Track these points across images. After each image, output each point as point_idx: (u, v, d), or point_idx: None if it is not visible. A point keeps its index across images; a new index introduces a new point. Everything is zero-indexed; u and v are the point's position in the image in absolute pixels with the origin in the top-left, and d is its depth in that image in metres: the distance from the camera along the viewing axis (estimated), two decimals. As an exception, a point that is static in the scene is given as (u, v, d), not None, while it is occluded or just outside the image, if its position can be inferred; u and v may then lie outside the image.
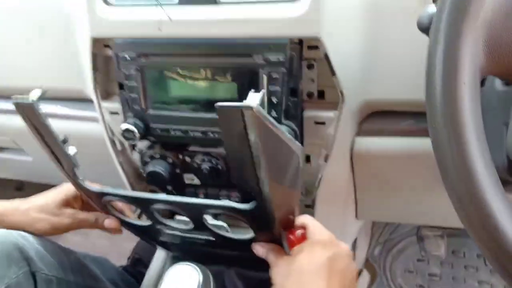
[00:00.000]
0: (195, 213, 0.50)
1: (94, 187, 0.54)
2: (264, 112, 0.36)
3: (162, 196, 0.51)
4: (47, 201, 0.62)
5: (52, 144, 0.49)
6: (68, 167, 0.52)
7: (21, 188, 1.36)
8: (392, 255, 1.25)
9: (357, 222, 0.91)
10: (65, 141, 0.49)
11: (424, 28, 0.42)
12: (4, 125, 0.85)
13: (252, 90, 0.42)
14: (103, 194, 0.54)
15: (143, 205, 0.53)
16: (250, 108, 0.34)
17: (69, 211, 0.62)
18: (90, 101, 0.74)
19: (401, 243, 1.25)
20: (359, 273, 1.18)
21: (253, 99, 0.35)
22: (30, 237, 0.67)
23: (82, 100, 0.77)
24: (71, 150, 0.50)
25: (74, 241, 1.42)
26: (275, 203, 0.43)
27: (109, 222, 0.61)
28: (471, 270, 1.16)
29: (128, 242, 1.35)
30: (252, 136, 0.36)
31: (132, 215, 0.64)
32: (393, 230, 1.28)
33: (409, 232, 1.26)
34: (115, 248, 1.36)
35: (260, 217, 0.46)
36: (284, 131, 0.40)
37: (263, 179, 0.40)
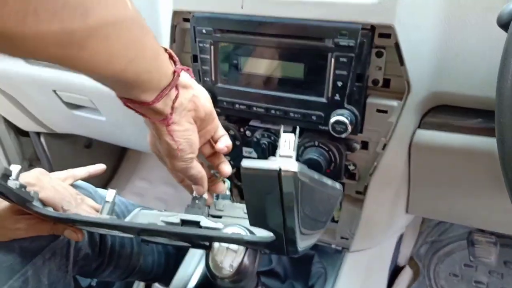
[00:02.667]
0: (196, 241, 0.48)
1: (54, 212, 0.51)
2: (306, 170, 0.34)
3: (152, 225, 0.48)
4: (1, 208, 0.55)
5: None
6: (18, 200, 0.48)
7: (89, 146, 1.47)
8: (439, 257, 1.22)
9: (406, 216, 0.90)
10: (7, 175, 0.44)
11: (503, 24, 0.42)
12: (84, 84, 0.93)
13: (281, 131, 0.39)
14: (71, 221, 0.49)
15: (128, 232, 0.49)
16: (291, 172, 0.32)
17: (24, 222, 0.55)
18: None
19: (449, 246, 1.22)
20: (402, 269, 1.17)
21: (290, 162, 0.32)
22: (98, 189, 0.74)
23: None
24: (14, 184, 0.45)
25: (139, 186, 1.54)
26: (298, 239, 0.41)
27: (69, 232, 0.57)
28: (522, 284, 1.11)
29: (180, 208, 1.44)
30: (289, 197, 0.34)
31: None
32: (442, 231, 1.25)
33: (459, 235, 1.22)
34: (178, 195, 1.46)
35: (275, 246, 0.43)
36: (325, 181, 0.38)
37: (291, 225, 0.37)
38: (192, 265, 0.88)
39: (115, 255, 0.76)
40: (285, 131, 0.41)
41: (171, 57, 0.44)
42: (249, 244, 0.45)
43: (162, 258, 0.91)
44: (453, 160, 0.64)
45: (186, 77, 0.46)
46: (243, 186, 0.36)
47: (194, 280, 0.85)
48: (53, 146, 1.36)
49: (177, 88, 0.44)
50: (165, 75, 0.42)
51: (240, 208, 0.58)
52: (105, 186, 1.55)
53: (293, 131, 0.38)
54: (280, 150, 0.35)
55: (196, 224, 0.50)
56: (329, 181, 0.39)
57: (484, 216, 0.75)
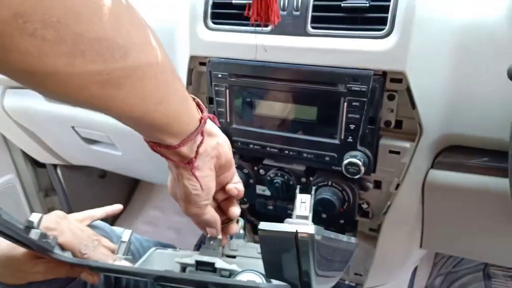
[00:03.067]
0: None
1: (73, 258, 0.53)
2: (322, 232, 0.34)
3: (169, 272, 0.47)
4: (16, 252, 0.55)
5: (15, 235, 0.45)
6: (39, 249, 0.49)
7: (104, 176, 1.50)
8: (454, 289, 1.20)
9: (420, 251, 0.90)
10: (29, 227, 0.45)
11: (514, 77, 0.43)
12: (101, 121, 0.96)
13: (297, 191, 0.40)
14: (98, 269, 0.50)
15: (144, 278, 0.50)
16: (308, 234, 0.33)
17: (42, 266, 0.56)
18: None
19: (464, 278, 1.20)
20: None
21: (307, 224, 0.33)
22: (114, 227, 0.75)
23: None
24: (35, 233, 0.46)
25: (143, 230, 1.55)
26: None
27: (85, 275, 0.57)
28: (541, 319, 1.09)
29: (193, 237, 1.44)
30: (305, 256, 0.35)
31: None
32: (457, 263, 1.23)
33: (474, 267, 1.20)
34: (182, 240, 1.46)
35: None
36: (341, 238, 0.38)
37: (307, 279, 0.38)
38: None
39: None
40: (301, 192, 0.42)
41: (198, 105, 0.46)
42: None
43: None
44: (466, 199, 0.65)
45: (211, 125, 0.48)
46: (261, 245, 0.37)
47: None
48: (69, 177, 1.39)
49: (202, 134, 0.46)
50: (192, 121, 0.44)
51: (254, 248, 0.58)
52: (118, 216, 1.57)
53: (309, 191, 0.39)
54: (296, 211, 0.36)
55: (211, 265, 0.51)
56: (344, 238, 0.40)
57: (500, 253, 0.75)
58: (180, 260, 0.52)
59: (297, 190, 0.40)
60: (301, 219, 0.36)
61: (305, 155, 0.66)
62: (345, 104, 0.61)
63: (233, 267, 0.51)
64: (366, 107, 0.60)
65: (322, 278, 0.42)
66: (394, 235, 0.73)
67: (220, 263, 0.52)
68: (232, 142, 0.72)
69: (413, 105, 0.59)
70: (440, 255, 1.25)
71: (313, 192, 0.40)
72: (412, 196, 0.66)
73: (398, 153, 0.63)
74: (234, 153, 0.76)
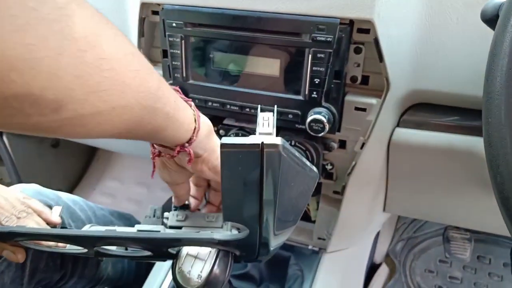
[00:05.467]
0: (160, 247, 0.44)
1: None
2: (288, 146, 0.32)
3: (112, 231, 0.44)
4: None
5: None
6: None
7: (57, 145, 1.40)
8: (414, 253, 1.23)
9: (383, 215, 0.90)
10: None
11: (488, 19, 0.40)
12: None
13: (258, 110, 0.39)
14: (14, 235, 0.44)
15: (80, 245, 0.45)
16: (274, 146, 0.30)
17: None
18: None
19: (424, 242, 1.23)
20: (378, 266, 1.17)
21: (273, 137, 0.31)
22: (62, 194, 0.69)
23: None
24: None
25: (101, 202, 1.48)
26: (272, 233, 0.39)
27: (7, 253, 0.52)
28: (495, 279, 1.12)
29: (164, 192, 1.39)
30: (270, 176, 0.32)
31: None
32: (417, 228, 1.26)
33: (434, 232, 1.23)
34: (142, 211, 1.41)
35: (246, 245, 0.41)
36: (304, 160, 0.36)
37: (267, 216, 0.36)
38: (164, 270, 0.84)
39: (79, 265, 0.71)
40: (262, 110, 0.39)
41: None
42: (220, 245, 0.42)
43: (132, 263, 0.87)
44: (432, 158, 0.63)
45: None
46: (221, 168, 0.33)
47: (165, 285, 0.81)
48: (17, 145, 1.28)
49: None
50: (187, 131, 0.43)
51: (202, 217, 0.54)
52: (74, 187, 1.48)
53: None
54: (259, 129, 0.33)
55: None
56: (307, 162, 0.37)
57: (461, 214, 0.75)
58: (118, 234, 0.47)
59: (258, 110, 0.37)
60: (265, 135, 0.33)
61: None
62: (310, 56, 0.56)
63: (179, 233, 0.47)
64: (332, 59, 0.56)
65: (281, 224, 0.39)
66: (358, 197, 0.71)
67: (165, 231, 0.48)
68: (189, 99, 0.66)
69: (380, 57, 0.56)
70: (402, 220, 1.27)
71: (274, 110, 0.37)
72: (377, 156, 0.64)
73: (364, 110, 0.60)
74: (191, 112, 0.71)
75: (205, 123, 0.47)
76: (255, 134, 0.35)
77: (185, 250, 0.44)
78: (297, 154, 0.34)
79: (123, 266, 0.83)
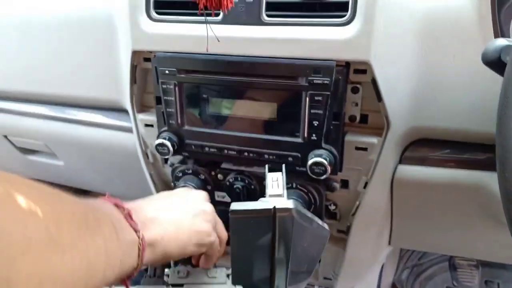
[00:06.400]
0: None
1: None
2: (300, 208, 0.31)
3: None
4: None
5: None
6: None
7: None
8: (420, 281, 1.20)
9: (388, 248, 0.87)
10: None
11: (490, 62, 0.40)
12: (38, 129, 0.85)
13: (266, 170, 0.38)
14: None
15: None
16: (287, 210, 0.30)
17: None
18: (125, 111, 0.73)
19: (430, 269, 1.20)
20: (385, 297, 1.14)
21: (284, 200, 0.30)
22: None
23: (116, 110, 0.76)
24: None
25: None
26: None
27: None
28: (505, 304, 1.10)
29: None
30: (282, 239, 0.31)
31: None
32: (422, 255, 1.23)
33: (439, 258, 1.21)
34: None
35: None
36: (316, 219, 0.35)
37: (279, 278, 0.34)
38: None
39: None
40: (270, 170, 0.38)
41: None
42: None
43: None
44: (436, 194, 0.62)
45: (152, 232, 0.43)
46: (231, 233, 0.33)
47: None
48: None
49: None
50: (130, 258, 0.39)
51: (204, 273, 0.52)
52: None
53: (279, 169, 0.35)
54: (269, 190, 0.32)
55: None
56: (319, 221, 0.35)
57: (468, 246, 0.73)
58: None
59: (266, 170, 0.36)
60: (276, 197, 0.31)
61: (266, 156, 0.61)
62: (307, 99, 0.55)
63: None
64: (330, 102, 0.55)
65: (294, 280, 0.37)
66: (363, 236, 0.69)
67: None
68: (185, 146, 0.64)
69: (379, 97, 0.55)
70: (405, 249, 1.24)
71: (283, 169, 0.35)
72: (381, 194, 0.62)
73: (365, 149, 0.59)
74: (187, 157, 0.69)
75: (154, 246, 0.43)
76: (264, 196, 0.33)
77: None
78: (309, 214, 0.33)
79: None
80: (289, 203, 0.30)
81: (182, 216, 0.48)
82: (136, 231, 0.40)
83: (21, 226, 0.25)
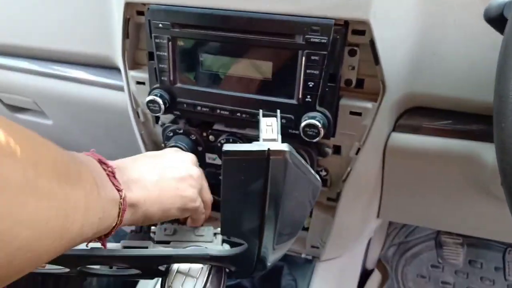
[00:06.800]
0: (149, 264, 0.42)
1: None
2: (294, 152, 0.30)
3: (97, 250, 0.40)
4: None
5: None
6: None
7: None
8: (406, 258, 1.21)
9: (375, 221, 0.88)
10: None
11: (492, 19, 0.38)
12: (26, 85, 0.83)
13: (260, 115, 0.36)
14: None
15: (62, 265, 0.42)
16: (281, 152, 0.28)
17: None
18: (115, 69, 0.71)
19: (416, 247, 1.22)
20: (370, 272, 1.15)
21: (279, 143, 0.29)
22: None
23: (107, 67, 0.75)
24: None
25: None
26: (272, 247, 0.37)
27: None
28: (487, 283, 1.12)
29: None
30: (275, 185, 0.30)
31: None
32: (409, 233, 1.25)
33: (425, 236, 1.22)
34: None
35: (243, 260, 0.39)
36: (309, 168, 0.34)
37: (268, 229, 0.33)
38: (152, 282, 0.80)
39: (61, 283, 0.68)
40: (264, 115, 0.37)
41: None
42: (215, 261, 0.39)
43: (114, 284, 0.83)
44: (427, 163, 0.61)
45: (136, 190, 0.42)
46: (222, 177, 0.31)
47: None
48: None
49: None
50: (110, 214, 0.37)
51: (191, 231, 0.51)
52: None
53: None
54: (263, 134, 0.30)
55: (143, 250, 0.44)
56: (312, 170, 0.35)
57: (456, 220, 0.74)
58: (104, 252, 0.43)
59: (260, 115, 0.35)
60: (270, 141, 0.30)
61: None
62: (303, 58, 0.54)
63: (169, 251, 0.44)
64: (326, 62, 0.54)
65: (282, 235, 0.37)
66: (353, 204, 0.69)
67: (153, 247, 0.45)
68: (177, 104, 0.63)
69: (376, 60, 0.54)
70: (393, 226, 1.25)
71: (278, 114, 0.35)
72: (373, 161, 0.62)
73: (359, 114, 0.58)
74: (179, 117, 0.68)
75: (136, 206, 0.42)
76: (257, 140, 0.32)
77: (175, 266, 0.41)
78: (302, 161, 0.32)
79: (108, 280, 0.79)
80: (283, 146, 0.29)
81: (167, 179, 0.46)
82: (118, 190, 0.38)
83: None
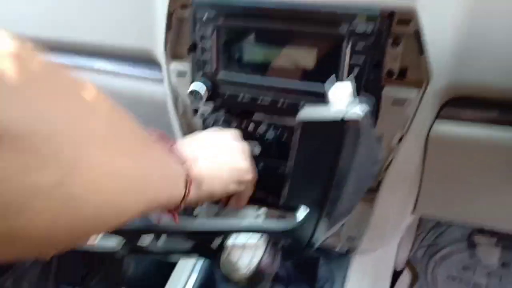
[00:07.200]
0: (208, 238, 0.42)
1: None
2: (368, 119, 0.30)
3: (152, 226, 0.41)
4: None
5: None
6: None
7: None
8: (435, 260, 1.20)
9: (408, 218, 0.87)
10: None
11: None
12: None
13: (334, 78, 0.36)
14: None
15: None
16: (357, 116, 0.28)
17: None
18: (154, 62, 0.73)
19: (446, 249, 1.20)
20: (399, 273, 1.14)
21: (354, 105, 0.29)
22: None
23: (145, 61, 0.76)
24: None
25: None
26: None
27: None
28: (522, 286, 1.09)
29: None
30: (347, 148, 0.30)
31: None
32: (438, 234, 1.23)
33: (455, 238, 1.20)
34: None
35: (297, 235, 0.39)
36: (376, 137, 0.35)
37: (332, 200, 0.33)
38: (184, 276, 0.81)
39: (103, 264, 0.69)
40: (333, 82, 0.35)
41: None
42: (271, 234, 0.40)
43: (153, 267, 0.85)
44: (471, 154, 0.61)
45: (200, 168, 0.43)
46: (295, 142, 0.32)
47: (188, 289, 0.78)
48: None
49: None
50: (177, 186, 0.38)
51: (233, 213, 0.52)
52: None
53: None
54: (334, 101, 0.30)
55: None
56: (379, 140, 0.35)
57: (498, 215, 0.72)
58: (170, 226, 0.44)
59: (329, 82, 0.34)
60: (343, 107, 0.30)
61: (301, 106, 0.60)
62: (348, 47, 0.55)
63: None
64: (371, 52, 0.54)
65: (340, 210, 0.37)
66: (393, 195, 0.68)
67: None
68: (218, 95, 0.64)
69: (421, 50, 0.54)
70: (421, 228, 1.24)
71: (351, 80, 0.34)
72: (415, 151, 0.62)
73: (402, 103, 0.58)
74: (219, 107, 0.69)
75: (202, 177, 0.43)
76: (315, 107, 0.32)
77: (232, 240, 0.42)
78: (374, 129, 0.32)
79: (144, 268, 0.81)
80: (359, 110, 0.29)
81: (223, 153, 0.48)
82: (183, 163, 0.39)
83: (86, 118, 0.25)
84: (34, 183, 0.20)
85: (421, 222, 1.23)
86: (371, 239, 0.75)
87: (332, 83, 0.33)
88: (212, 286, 0.82)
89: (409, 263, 1.19)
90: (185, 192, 0.38)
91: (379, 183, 0.67)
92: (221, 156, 0.47)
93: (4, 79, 0.20)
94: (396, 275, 1.14)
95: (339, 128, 0.28)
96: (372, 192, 0.68)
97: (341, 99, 0.29)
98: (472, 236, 1.14)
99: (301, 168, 0.32)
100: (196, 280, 0.80)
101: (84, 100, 0.26)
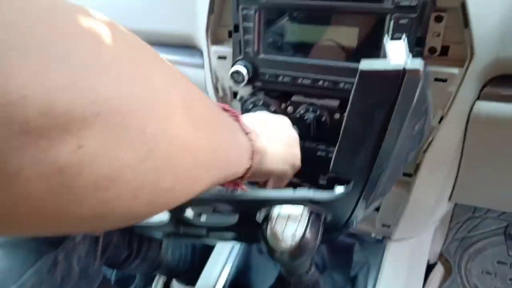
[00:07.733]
0: (255, 208, 0.43)
1: None
2: (427, 76, 0.30)
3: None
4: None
5: None
6: None
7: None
8: (469, 254, 1.17)
9: (445, 205, 0.86)
10: None
11: None
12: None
13: (387, 38, 0.36)
14: None
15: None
16: (416, 71, 0.28)
17: None
18: (193, 48, 0.75)
19: (480, 242, 1.17)
20: (432, 266, 1.12)
21: (411, 60, 0.29)
22: None
23: (184, 46, 0.78)
24: None
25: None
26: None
27: None
28: (561, 281, 1.06)
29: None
30: (401, 108, 0.30)
31: None
32: (472, 227, 1.20)
33: (491, 232, 1.17)
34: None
35: (340, 208, 0.40)
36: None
37: (381, 164, 0.33)
38: (220, 264, 0.82)
39: (144, 245, 0.71)
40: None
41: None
42: (315, 204, 0.40)
43: (189, 253, 0.86)
44: (514, 134, 0.60)
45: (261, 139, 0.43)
46: (351, 100, 0.31)
47: (222, 280, 0.79)
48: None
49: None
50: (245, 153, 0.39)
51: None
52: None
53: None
54: (392, 56, 0.30)
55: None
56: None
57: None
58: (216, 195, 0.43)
59: (385, 40, 0.34)
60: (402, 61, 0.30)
61: (341, 85, 0.61)
62: (392, 22, 0.55)
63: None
64: (415, 26, 0.54)
65: (387, 178, 0.37)
66: (430, 180, 0.68)
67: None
68: (259, 75, 0.66)
69: (466, 23, 0.54)
70: (455, 220, 1.21)
71: (404, 37, 0.34)
72: (455, 131, 0.61)
73: (444, 81, 0.58)
74: (258, 90, 0.71)
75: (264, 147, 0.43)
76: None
77: (275, 213, 0.43)
78: (429, 90, 0.32)
79: (180, 253, 0.82)
80: (418, 64, 0.28)
81: (282, 135, 0.48)
82: (247, 134, 0.39)
83: (167, 91, 0.25)
84: (124, 159, 0.21)
85: (454, 214, 1.21)
86: (407, 226, 0.75)
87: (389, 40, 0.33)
88: (248, 273, 0.83)
89: (442, 256, 1.17)
90: (250, 163, 0.38)
91: (417, 167, 0.66)
92: (281, 137, 0.47)
93: (101, 50, 0.20)
94: (428, 268, 1.12)
95: (399, 78, 0.29)
96: (409, 176, 0.68)
97: (400, 54, 0.30)
98: (508, 229, 1.11)
99: (352, 129, 0.32)
100: (232, 266, 0.81)
101: (165, 73, 0.26)
